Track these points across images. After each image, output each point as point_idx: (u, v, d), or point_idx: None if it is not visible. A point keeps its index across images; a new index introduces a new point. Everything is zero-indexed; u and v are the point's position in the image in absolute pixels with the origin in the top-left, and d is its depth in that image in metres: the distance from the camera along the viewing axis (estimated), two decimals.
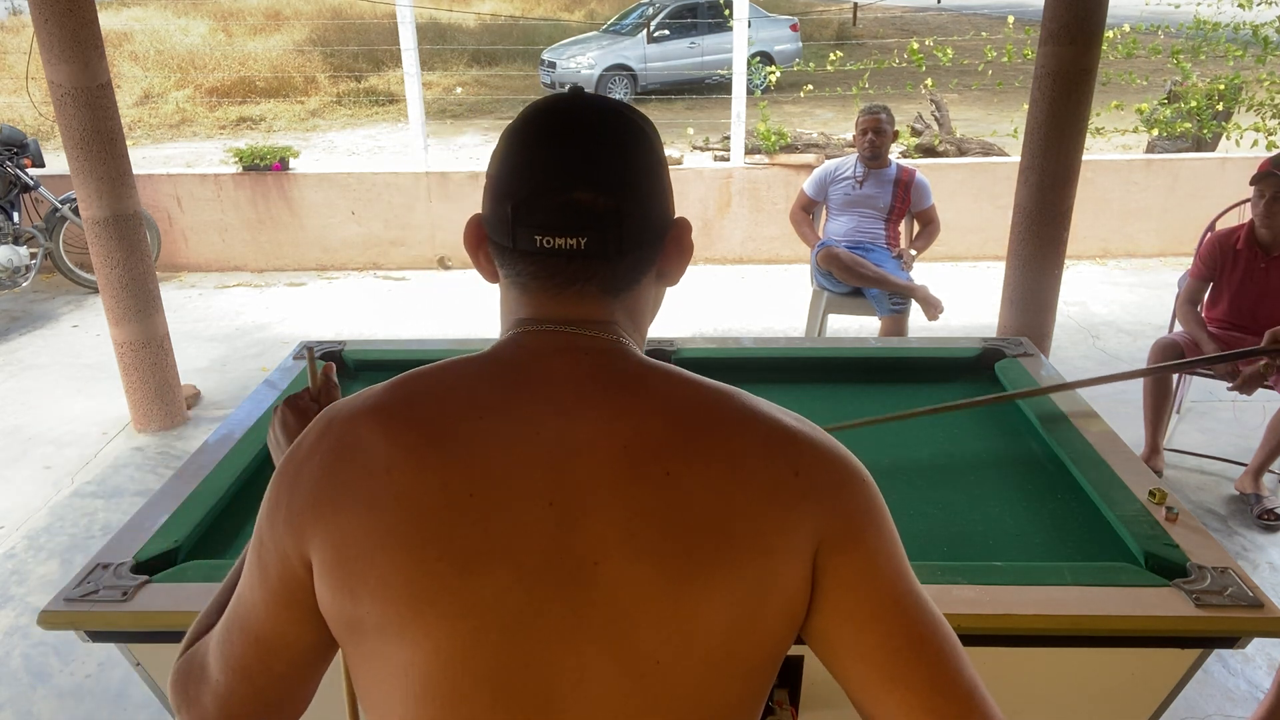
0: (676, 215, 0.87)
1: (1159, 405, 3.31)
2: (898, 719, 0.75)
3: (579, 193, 0.78)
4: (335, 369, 1.15)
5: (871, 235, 4.07)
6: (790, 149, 6.25)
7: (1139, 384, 3.44)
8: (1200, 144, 6.97)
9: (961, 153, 6.62)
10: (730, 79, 6.37)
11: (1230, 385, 3.18)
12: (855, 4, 16.05)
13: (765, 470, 0.76)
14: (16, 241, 5.37)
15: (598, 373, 0.80)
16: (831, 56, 7.00)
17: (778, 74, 7.59)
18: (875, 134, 3.98)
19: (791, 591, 0.76)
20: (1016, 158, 4.97)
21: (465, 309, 5.45)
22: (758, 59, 11.96)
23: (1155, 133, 6.91)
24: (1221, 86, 6.59)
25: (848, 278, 3.90)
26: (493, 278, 0.87)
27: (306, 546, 0.76)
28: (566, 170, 0.78)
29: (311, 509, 0.76)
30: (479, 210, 0.87)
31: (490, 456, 0.75)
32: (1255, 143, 6.47)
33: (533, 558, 0.73)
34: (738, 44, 6.22)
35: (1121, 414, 3.43)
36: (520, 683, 0.73)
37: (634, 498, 0.74)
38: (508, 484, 0.74)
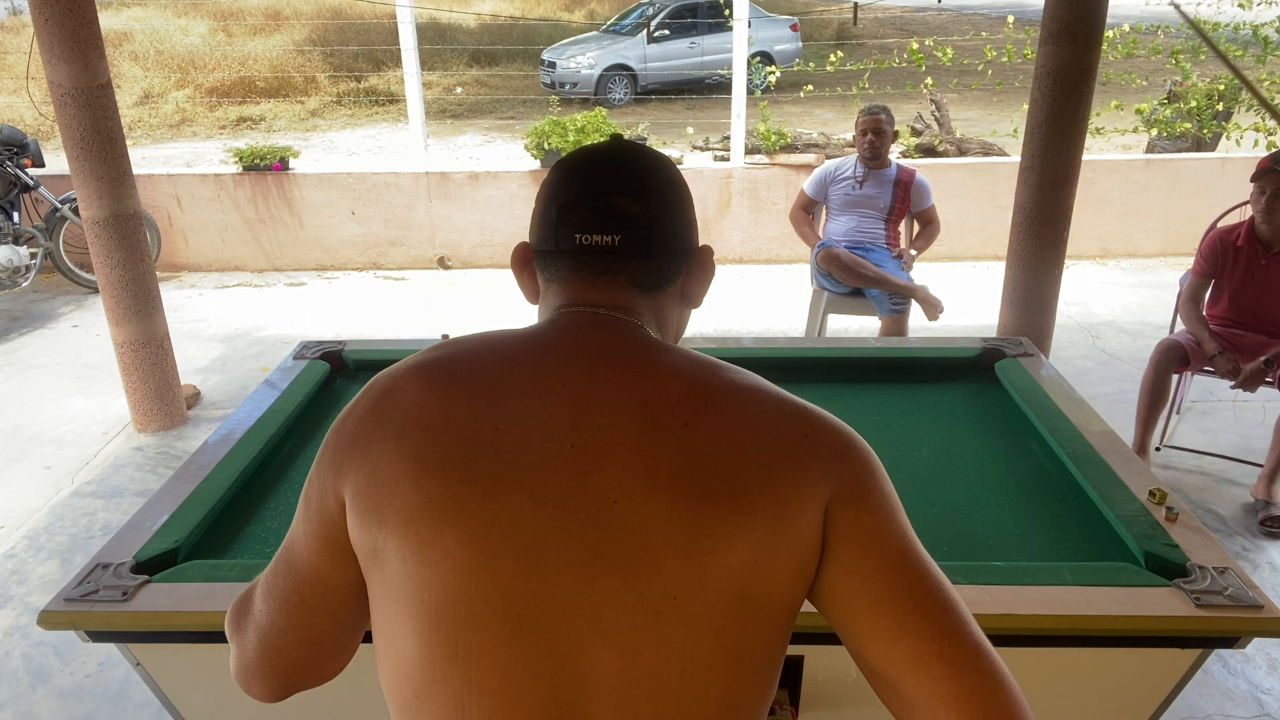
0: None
1: (1154, 406, 3.31)
2: (906, 670, 0.78)
3: (617, 197, 0.90)
4: None
5: (871, 235, 4.07)
6: (790, 149, 6.25)
7: (1138, 384, 3.44)
8: (1200, 144, 6.97)
9: (961, 153, 6.62)
10: (730, 79, 6.36)
11: (1232, 383, 3.18)
12: (855, 4, 16.04)
13: (778, 431, 0.83)
14: (16, 241, 5.37)
15: (621, 344, 0.88)
16: (831, 56, 6.99)
17: (778, 74, 7.59)
18: (875, 134, 3.98)
19: (803, 542, 0.80)
20: (1016, 158, 4.97)
21: (465, 309, 5.45)
22: (758, 59, 11.96)
23: (1155, 133, 6.92)
24: (1221, 86, 6.59)
25: (847, 278, 3.90)
26: (534, 296, 0.98)
27: (342, 483, 0.82)
28: (606, 179, 0.91)
29: (350, 446, 0.83)
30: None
31: (517, 399, 0.81)
32: (1255, 143, 6.47)
33: (551, 490, 0.78)
34: (738, 44, 6.22)
35: (1121, 414, 3.43)
36: (535, 613, 0.76)
37: (653, 442, 0.80)
38: (532, 424, 0.80)
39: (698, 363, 0.88)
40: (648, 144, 0.93)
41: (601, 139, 6.12)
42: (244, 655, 0.92)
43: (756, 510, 0.79)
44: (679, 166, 6.10)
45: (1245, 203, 3.30)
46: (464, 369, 0.84)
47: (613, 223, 0.90)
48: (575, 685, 0.76)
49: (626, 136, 6.53)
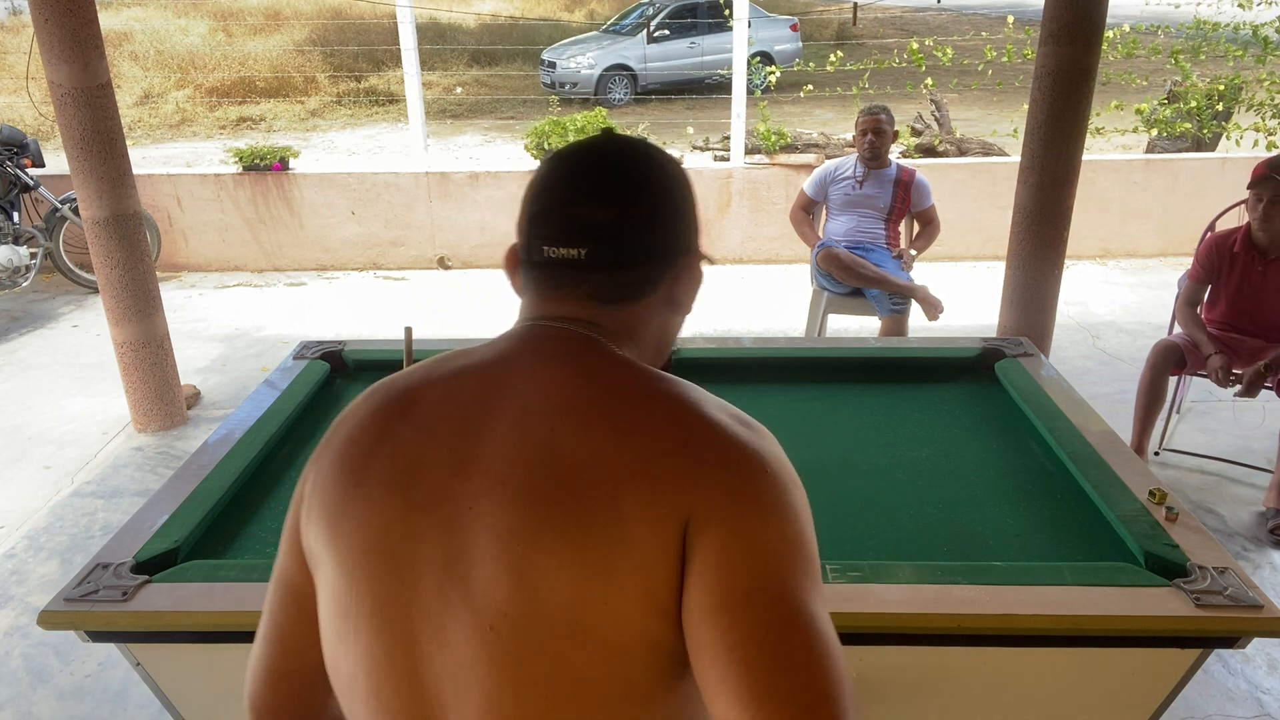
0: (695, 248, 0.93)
1: (1151, 407, 3.32)
2: None
3: (585, 206, 0.86)
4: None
5: (871, 235, 4.07)
6: (790, 149, 6.25)
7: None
8: (1200, 144, 6.97)
9: (961, 153, 6.62)
10: (730, 79, 6.36)
11: (1235, 392, 3.18)
12: (855, 4, 16.04)
13: (651, 442, 0.75)
14: (16, 241, 5.37)
15: (546, 352, 0.84)
16: (831, 56, 6.99)
17: (778, 74, 7.59)
18: (875, 134, 3.98)
19: (649, 567, 0.71)
20: (1016, 158, 4.97)
21: (465, 309, 5.45)
22: (758, 59, 11.95)
23: (1155, 133, 6.91)
24: (1221, 86, 6.59)
25: (847, 278, 3.90)
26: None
27: (300, 497, 0.87)
28: (574, 187, 0.88)
29: (313, 457, 0.87)
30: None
31: (427, 409, 0.82)
32: (1255, 143, 6.47)
33: (421, 495, 0.77)
34: (738, 44, 6.22)
35: (1121, 414, 3.43)
36: (395, 617, 0.76)
37: (515, 447, 0.77)
38: (427, 430, 0.80)
39: (614, 371, 0.82)
40: (646, 141, 0.91)
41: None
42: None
43: (594, 525, 0.72)
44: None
45: (1243, 202, 3.30)
46: (392, 390, 0.86)
47: (578, 235, 0.86)
48: (425, 690, 0.76)
49: (629, 135, 6.53)
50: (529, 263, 0.90)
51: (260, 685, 0.89)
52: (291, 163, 6.17)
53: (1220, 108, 6.62)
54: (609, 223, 0.86)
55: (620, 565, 0.72)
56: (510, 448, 0.77)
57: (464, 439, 0.79)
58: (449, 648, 0.74)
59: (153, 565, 1.58)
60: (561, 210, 0.87)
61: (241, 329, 5.16)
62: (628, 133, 6.38)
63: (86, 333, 5.11)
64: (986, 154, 6.59)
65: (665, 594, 0.72)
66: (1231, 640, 1.42)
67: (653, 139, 6.91)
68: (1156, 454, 3.52)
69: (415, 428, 0.81)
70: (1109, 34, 6.34)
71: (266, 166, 6.06)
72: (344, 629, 0.78)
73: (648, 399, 0.79)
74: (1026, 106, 3.78)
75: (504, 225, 6.20)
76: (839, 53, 7.04)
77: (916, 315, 3.89)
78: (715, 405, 0.81)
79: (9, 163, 5.34)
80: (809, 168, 5.80)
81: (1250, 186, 3.18)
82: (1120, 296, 5.44)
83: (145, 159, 9.14)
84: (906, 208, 4.10)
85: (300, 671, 0.88)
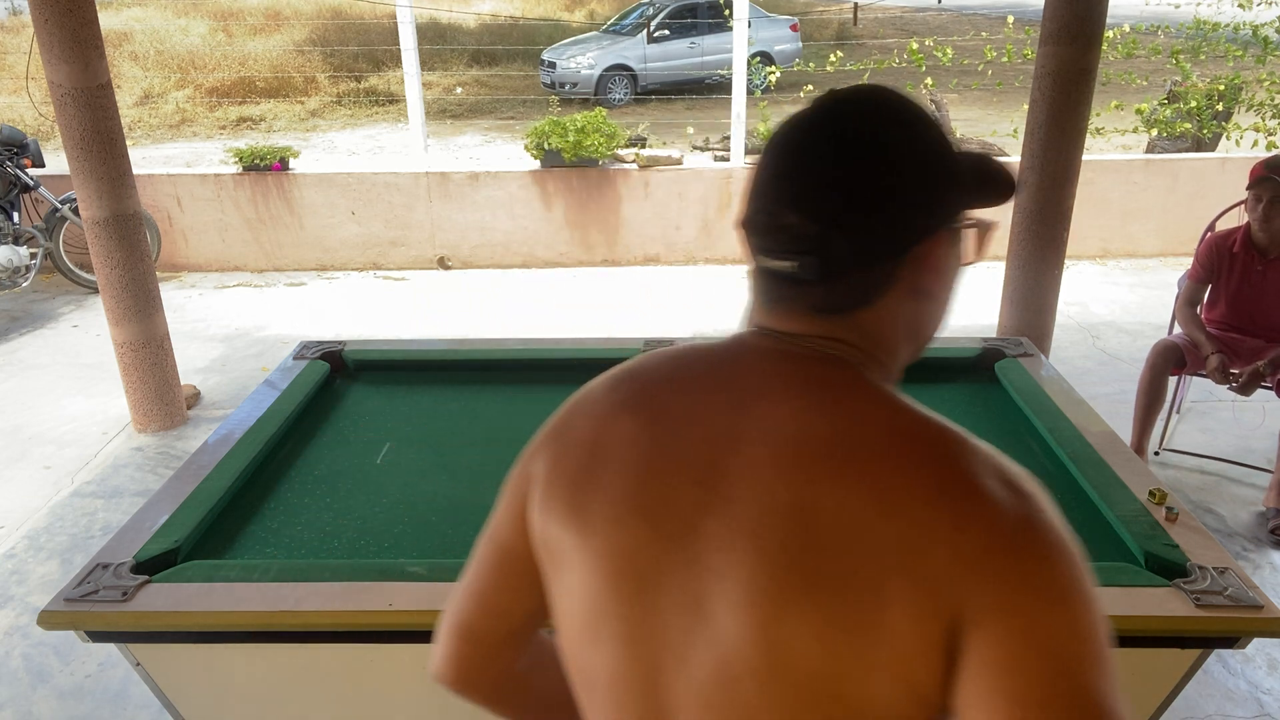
0: (954, 219, 0.81)
1: (1150, 407, 3.32)
2: None
3: (788, 218, 0.77)
4: None
5: None
6: None
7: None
8: (1200, 144, 6.97)
9: None
10: (730, 79, 6.36)
11: (1231, 386, 3.18)
12: (855, 4, 16.05)
13: (914, 517, 0.68)
14: (16, 241, 5.37)
15: (791, 377, 0.78)
16: (831, 56, 6.99)
17: (778, 74, 7.59)
18: None
19: (909, 659, 0.67)
20: (1016, 158, 4.96)
21: (465, 309, 5.45)
22: (758, 59, 11.95)
23: (1155, 133, 6.91)
24: (1221, 87, 6.59)
25: None
26: None
27: (532, 466, 0.86)
28: (778, 195, 0.79)
29: (542, 438, 0.87)
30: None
31: (667, 427, 0.78)
32: (1255, 143, 6.47)
33: (670, 526, 0.75)
34: (738, 44, 6.22)
35: (1121, 414, 3.43)
36: (641, 639, 0.75)
37: (766, 498, 0.72)
38: (671, 455, 0.77)
39: (873, 412, 0.75)
40: (881, 101, 0.78)
41: (602, 139, 5.93)
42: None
43: (853, 606, 0.67)
44: (680, 167, 6.13)
45: (1243, 202, 3.30)
46: (637, 387, 0.83)
47: (786, 247, 0.78)
48: (663, 713, 0.76)
49: (629, 136, 6.55)
50: (750, 264, 0.83)
51: (453, 638, 0.90)
52: (291, 163, 6.17)
53: (1220, 108, 6.62)
54: (819, 234, 0.76)
55: (880, 651, 0.67)
56: (762, 495, 0.72)
57: (712, 473, 0.75)
58: (691, 682, 0.74)
59: (153, 565, 1.58)
60: (768, 220, 0.79)
61: (241, 329, 5.16)
62: (627, 133, 6.22)
63: (86, 333, 5.12)
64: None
65: (929, 687, 0.67)
66: (1232, 640, 1.42)
67: (653, 139, 6.87)
68: (1156, 454, 3.52)
69: (664, 454, 0.77)
70: (1109, 34, 6.34)
71: (266, 166, 6.06)
72: (592, 635, 0.79)
73: (912, 461, 0.71)
74: (1026, 106, 3.78)
75: (504, 225, 6.21)
76: (839, 53, 7.05)
77: None
78: (986, 468, 0.71)
79: (9, 163, 5.34)
80: None
81: (1249, 186, 3.18)
82: (1120, 296, 5.44)
83: (145, 159, 9.14)
84: None
85: (493, 631, 0.89)
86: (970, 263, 0.85)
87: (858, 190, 0.76)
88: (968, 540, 0.66)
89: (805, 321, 0.80)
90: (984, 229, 0.84)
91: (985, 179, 0.82)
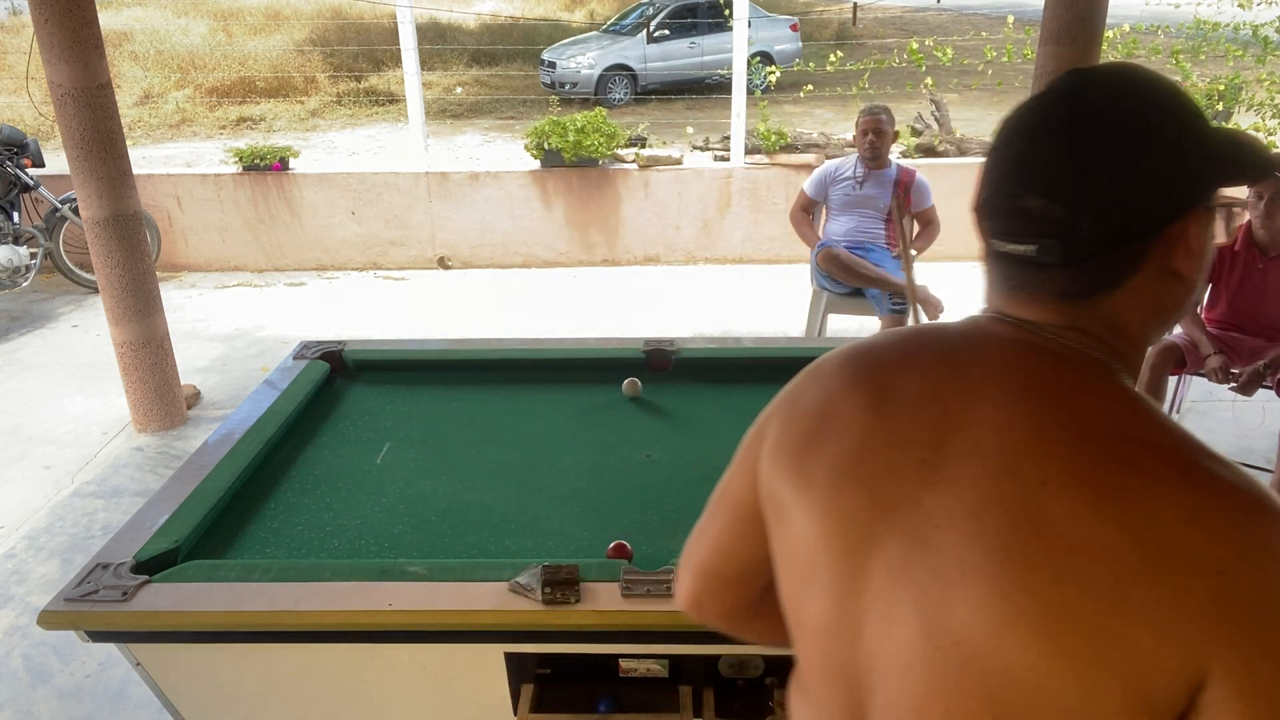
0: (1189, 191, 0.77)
1: None
2: None
3: (1029, 200, 0.76)
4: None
5: (871, 235, 4.07)
6: (790, 149, 6.25)
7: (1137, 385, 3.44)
8: None
9: (962, 153, 6.61)
10: (730, 79, 6.36)
11: (1231, 385, 3.18)
12: (855, 4, 16.05)
13: (1170, 550, 0.64)
14: (16, 241, 5.37)
15: (1027, 370, 0.77)
16: (831, 56, 6.99)
17: (778, 74, 7.59)
18: (875, 135, 3.98)
19: (1142, 675, 0.65)
20: None
21: (465, 309, 5.45)
22: (758, 59, 11.95)
23: None
24: (1221, 87, 6.59)
25: (847, 278, 3.90)
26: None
27: (765, 428, 0.90)
28: (1019, 177, 0.77)
29: (775, 404, 0.92)
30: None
31: (894, 403, 0.80)
32: None
33: (888, 496, 0.77)
34: (738, 44, 6.22)
35: None
36: (850, 595, 0.79)
37: (996, 487, 0.72)
38: (894, 430, 0.79)
39: (1115, 421, 0.73)
40: (1129, 79, 0.73)
41: (602, 139, 5.92)
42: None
43: (1085, 623, 0.65)
44: (680, 167, 6.13)
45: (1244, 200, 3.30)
46: (868, 364, 0.85)
47: (1026, 230, 0.76)
48: (859, 663, 0.79)
49: (629, 135, 6.55)
50: (986, 249, 0.82)
51: (691, 575, 0.99)
52: (291, 163, 6.17)
53: (1220, 108, 6.62)
54: (1062, 219, 0.74)
55: (1111, 665, 0.65)
56: (988, 481, 0.72)
57: (936, 453, 0.76)
58: (891, 640, 0.76)
59: (153, 565, 1.58)
60: (1006, 203, 0.78)
61: (241, 329, 5.16)
62: (627, 134, 6.22)
63: (86, 333, 5.11)
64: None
65: (1163, 705, 0.65)
66: None
67: (653, 139, 6.85)
68: None
69: (889, 428, 0.79)
70: (1109, 34, 6.34)
71: (266, 166, 6.06)
72: (805, 583, 0.83)
73: (1162, 481, 0.68)
74: None
75: (504, 225, 6.21)
76: (839, 53, 7.04)
77: None
78: (1245, 498, 0.67)
79: (9, 163, 5.34)
80: (809, 168, 5.80)
81: (1250, 184, 3.18)
82: None
83: (145, 159, 9.13)
84: (907, 208, 4.10)
85: (726, 571, 0.97)
86: (1221, 244, 0.87)
87: (1108, 171, 0.74)
88: (1231, 584, 0.63)
89: (1047, 309, 0.79)
90: (1236, 208, 0.82)
91: (1239, 156, 0.79)
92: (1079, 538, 0.66)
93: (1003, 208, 0.78)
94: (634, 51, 12.45)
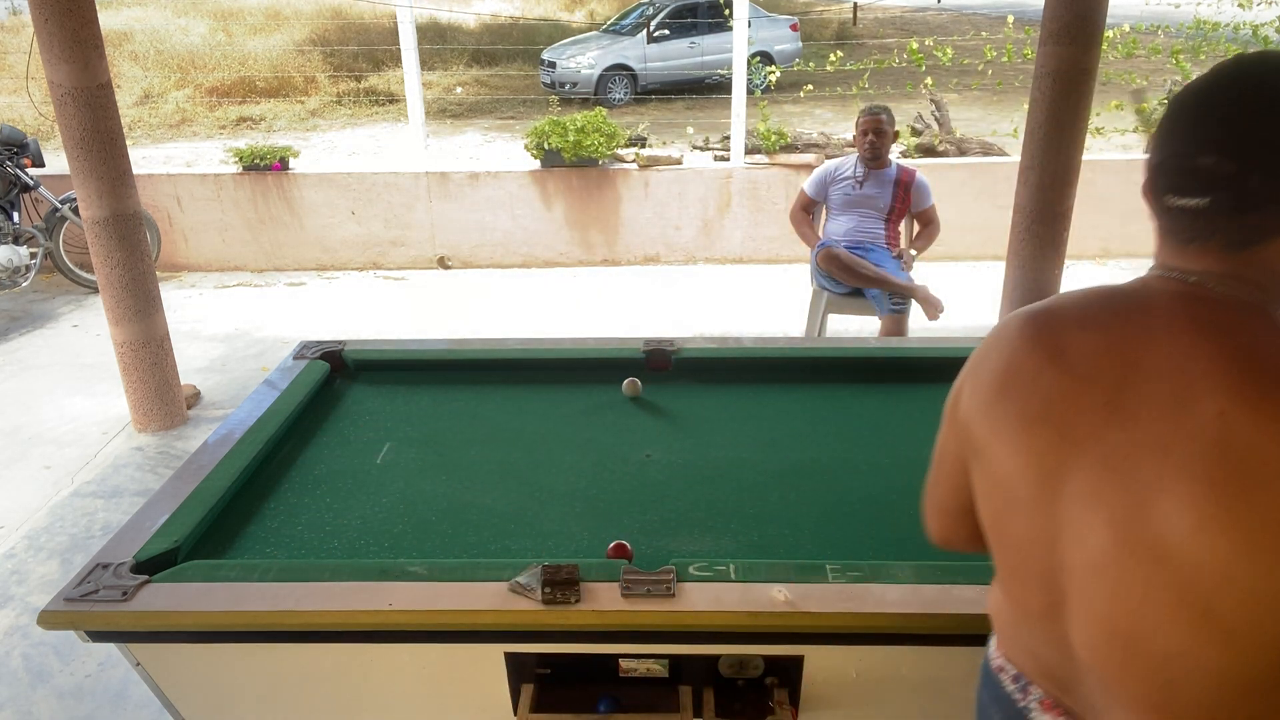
0: None
1: None
2: None
3: (1203, 159, 0.87)
4: None
5: (871, 235, 4.06)
6: (790, 149, 6.25)
7: None
8: None
9: (961, 153, 6.62)
10: (730, 79, 6.36)
11: None
12: (855, 4, 16.05)
13: None
14: (16, 241, 5.37)
15: (1197, 316, 0.88)
16: (831, 56, 6.99)
17: (778, 74, 7.59)
18: (875, 135, 3.98)
19: None
20: (1016, 158, 4.97)
21: (465, 309, 5.45)
22: (758, 59, 11.95)
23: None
24: None
25: (847, 278, 3.90)
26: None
27: (964, 384, 1.07)
28: (1195, 139, 0.88)
29: (967, 367, 1.08)
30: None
31: (1073, 356, 0.93)
32: None
33: (1076, 434, 0.90)
34: (738, 44, 6.22)
35: None
36: (1046, 516, 0.93)
37: (1174, 418, 0.84)
38: (1078, 379, 0.92)
39: (1269, 345, 0.85)
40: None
41: (602, 139, 5.93)
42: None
43: (1269, 527, 0.77)
44: (680, 167, 6.12)
45: None
46: (1045, 327, 0.97)
47: (1199, 186, 0.88)
48: (1056, 571, 0.93)
49: (629, 135, 6.55)
50: (1158, 209, 0.94)
51: (934, 514, 1.19)
52: (291, 163, 6.17)
53: None
54: (1234, 173, 0.86)
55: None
56: (1170, 415, 0.84)
57: (1119, 394, 0.88)
58: (1083, 551, 0.89)
59: (153, 565, 1.58)
60: (1182, 162, 0.89)
61: (241, 329, 5.16)
62: (627, 134, 6.24)
63: (86, 333, 5.12)
64: (986, 154, 6.59)
65: None
66: None
67: (653, 139, 6.86)
68: None
69: (1071, 376, 0.92)
70: (1109, 34, 6.34)
71: (266, 166, 6.06)
72: (1005, 508, 0.98)
73: None
74: (1026, 106, 3.78)
75: (504, 225, 6.21)
76: (839, 53, 7.05)
77: (916, 315, 3.89)
78: None
79: (9, 163, 5.34)
80: (809, 168, 5.80)
81: None
82: None
83: (145, 159, 9.13)
84: (906, 208, 4.09)
85: (957, 506, 1.13)
86: None
87: (1275, 133, 0.85)
88: None
89: (1212, 259, 0.90)
90: None
91: None
92: (1259, 455, 0.78)
93: (1179, 167, 0.89)
94: (634, 51, 12.45)
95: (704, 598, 1.46)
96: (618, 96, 12.25)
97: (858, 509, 1.81)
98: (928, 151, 6.62)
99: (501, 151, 9.84)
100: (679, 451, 2.06)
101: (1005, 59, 7.01)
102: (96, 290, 4.56)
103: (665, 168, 6.10)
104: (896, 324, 3.86)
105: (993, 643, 1.13)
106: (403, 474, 1.99)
